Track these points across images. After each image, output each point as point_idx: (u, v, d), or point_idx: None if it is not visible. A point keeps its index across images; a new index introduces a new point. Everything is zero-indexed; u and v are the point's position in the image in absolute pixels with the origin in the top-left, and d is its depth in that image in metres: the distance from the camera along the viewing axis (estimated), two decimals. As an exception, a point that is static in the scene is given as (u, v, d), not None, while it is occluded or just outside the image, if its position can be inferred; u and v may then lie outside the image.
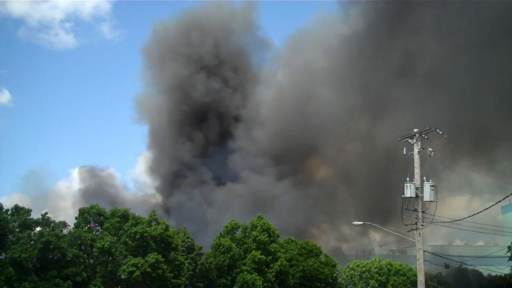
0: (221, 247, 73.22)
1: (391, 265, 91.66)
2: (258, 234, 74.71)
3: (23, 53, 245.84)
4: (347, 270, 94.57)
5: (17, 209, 62.76)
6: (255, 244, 74.39)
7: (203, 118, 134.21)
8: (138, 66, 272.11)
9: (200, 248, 74.94)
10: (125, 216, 66.26)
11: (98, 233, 65.91)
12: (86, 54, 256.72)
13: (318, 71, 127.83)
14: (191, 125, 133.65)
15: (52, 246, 58.87)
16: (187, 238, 74.37)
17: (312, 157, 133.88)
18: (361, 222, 52.27)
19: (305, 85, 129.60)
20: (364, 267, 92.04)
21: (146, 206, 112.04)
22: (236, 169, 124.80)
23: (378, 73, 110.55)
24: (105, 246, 61.39)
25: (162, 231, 63.66)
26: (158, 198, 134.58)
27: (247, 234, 77.32)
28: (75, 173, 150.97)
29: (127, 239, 62.52)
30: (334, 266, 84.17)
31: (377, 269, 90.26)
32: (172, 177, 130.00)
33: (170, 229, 66.34)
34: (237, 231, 78.41)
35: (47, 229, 61.41)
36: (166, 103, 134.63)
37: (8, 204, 62.17)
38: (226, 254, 72.46)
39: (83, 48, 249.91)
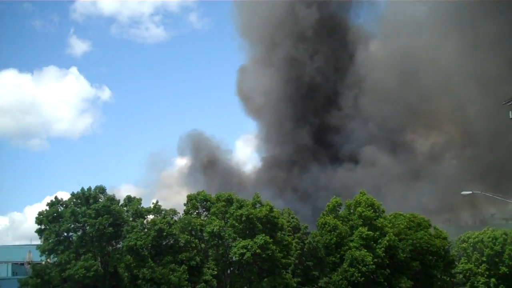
0: (326, 225, 73.11)
1: (507, 235, 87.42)
2: (364, 210, 73.84)
3: (117, 50, 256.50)
4: (459, 242, 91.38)
5: (129, 199, 65.94)
6: (361, 220, 73.60)
7: (311, 94, 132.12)
8: (230, 52, 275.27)
9: (306, 227, 75.24)
10: (229, 200, 67.64)
11: (206, 218, 67.78)
12: (178, 46, 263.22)
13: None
14: (300, 102, 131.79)
15: (165, 233, 61.31)
16: (292, 218, 74.87)
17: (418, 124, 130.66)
18: (469, 192, 50.27)
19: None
20: (477, 237, 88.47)
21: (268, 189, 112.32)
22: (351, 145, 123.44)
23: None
24: (214, 230, 63.03)
25: (267, 212, 64.41)
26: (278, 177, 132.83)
27: (351, 211, 76.64)
28: (178, 161, 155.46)
29: (234, 222, 63.83)
30: (445, 238, 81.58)
31: (490, 239, 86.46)
32: (287, 156, 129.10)
33: (275, 210, 66.95)
34: (340, 209, 77.87)
35: (159, 217, 63.99)
36: (273, 82, 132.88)
37: (118, 196, 65.42)
38: (332, 232, 72.26)
39: (174, 40, 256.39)
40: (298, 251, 69.76)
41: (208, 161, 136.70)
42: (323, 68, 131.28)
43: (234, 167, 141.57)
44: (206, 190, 72.25)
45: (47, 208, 62.74)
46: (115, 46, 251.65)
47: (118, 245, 63.42)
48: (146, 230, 61.56)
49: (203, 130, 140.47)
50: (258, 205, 66.62)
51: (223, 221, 65.50)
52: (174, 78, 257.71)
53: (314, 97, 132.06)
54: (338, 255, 71.94)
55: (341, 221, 74.48)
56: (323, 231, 73.01)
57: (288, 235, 68.11)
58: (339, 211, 77.46)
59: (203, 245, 66.39)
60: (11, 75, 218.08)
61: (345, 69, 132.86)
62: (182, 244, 61.95)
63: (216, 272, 63.70)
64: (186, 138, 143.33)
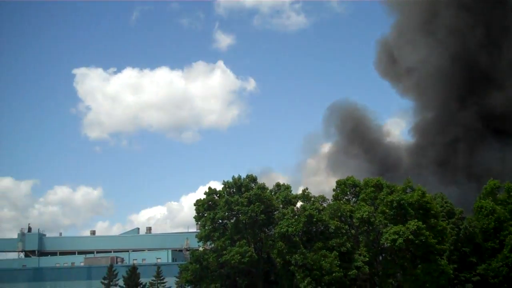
0: (483, 209, 69.12)
1: None
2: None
3: (260, 41, 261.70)
4: None
5: (278, 187, 67.44)
6: (523, 203, 68.64)
7: (472, 71, 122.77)
8: (374, 35, 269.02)
9: (461, 212, 71.80)
10: (378, 186, 66.47)
11: (355, 204, 67.27)
12: (320, 32, 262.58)
13: None
14: (461, 79, 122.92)
15: (314, 219, 61.82)
16: (445, 203, 71.87)
17: None
18: None
19: None
20: None
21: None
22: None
23: None
24: (364, 216, 62.38)
25: (419, 198, 62.35)
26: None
27: (511, 194, 71.69)
28: (325, 148, 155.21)
29: (384, 208, 62.64)
30: None
31: None
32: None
33: (427, 195, 64.61)
34: (498, 192, 73.16)
35: (308, 203, 64.66)
36: (430, 55, 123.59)
37: (267, 184, 67.06)
38: (490, 217, 68.17)
39: (316, 26, 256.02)
40: (453, 237, 66.95)
41: (358, 143, 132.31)
42: (483, 41, 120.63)
43: (384, 148, 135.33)
44: (355, 175, 71.66)
45: (203, 197, 66.10)
46: (258, 37, 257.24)
47: (270, 232, 65.13)
48: (296, 216, 62.49)
49: (350, 111, 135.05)
50: (409, 190, 64.74)
51: (372, 207, 64.57)
52: (318, 64, 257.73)
53: (474, 74, 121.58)
54: (497, 241, 67.69)
55: (500, 205, 69.98)
56: (479, 216, 69.10)
57: (442, 220, 65.47)
58: (497, 194, 72.82)
59: (353, 231, 66.04)
60: (163, 72, 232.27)
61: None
62: (332, 230, 62.12)
63: (367, 259, 63.07)
64: (333, 117, 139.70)
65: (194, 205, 66.19)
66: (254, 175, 66.28)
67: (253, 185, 65.30)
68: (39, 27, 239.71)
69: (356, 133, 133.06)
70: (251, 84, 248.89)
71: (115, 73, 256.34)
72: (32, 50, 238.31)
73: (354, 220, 64.17)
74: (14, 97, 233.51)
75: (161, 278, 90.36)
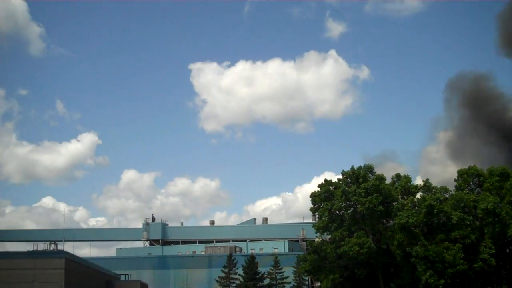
0: None
1: None
2: None
3: (373, 28, 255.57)
4: None
5: (397, 177, 66.07)
6: None
7: None
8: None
9: None
10: (504, 175, 63.13)
11: (479, 194, 64.35)
12: (436, 15, 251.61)
13: None
14: None
15: (435, 210, 59.83)
16: None
17: None
18: None
19: None
20: None
21: None
22: None
23: None
24: (488, 207, 59.54)
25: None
26: None
27: None
28: (445, 135, 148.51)
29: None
30: None
31: None
32: None
33: None
34: None
35: (429, 194, 62.73)
36: None
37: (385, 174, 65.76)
38: None
39: (431, 10, 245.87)
40: None
41: (492, 127, 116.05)
42: None
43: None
44: (477, 164, 68.54)
45: (319, 188, 66.19)
46: (370, 24, 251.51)
47: (389, 223, 64.01)
48: (416, 207, 60.89)
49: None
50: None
51: (498, 198, 61.44)
52: (435, 50, 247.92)
53: None
54: None
55: None
56: None
57: None
58: None
59: (477, 223, 63.18)
60: (276, 64, 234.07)
61: None
62: (454, 222, 59.77)
63: (494, 251, 60.13)
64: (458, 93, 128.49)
65: (310, 197, 66.47)
66: (372, 165, 65.35)
67: (370, 175, 64.40)
68: (158, 25, 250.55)
69: (487, 116, 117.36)
70: (364, 72, 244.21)
71: (229, 66, 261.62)
72: (150, 48, 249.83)
73: (478, 211, 61.37)
74: (136, 95, 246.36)
75: (279, 267, 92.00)
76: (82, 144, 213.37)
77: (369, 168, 64.87)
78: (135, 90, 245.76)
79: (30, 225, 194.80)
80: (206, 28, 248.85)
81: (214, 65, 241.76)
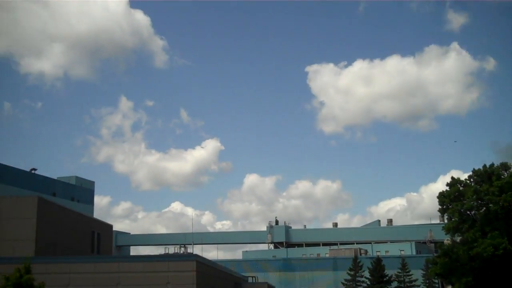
0: None
1: None
2: None
3: (498, 16, 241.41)
4: None
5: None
6: None
7: None
8: None
9: None
10: None
11: None
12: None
13: None
14: None
15: None
16: None
17: None
18: None
19: None
20: None
21: None
22: None
23: None
24: None
25: None
26: None
27: None
28: None
29: None
30: None
31: None
32: None
33: None
34: None
35: None
36: None
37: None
38: None
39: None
40: None
41: None
42: None
43: None
44: None
45: (447, 188, 63.40)
46: (495, 12, 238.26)
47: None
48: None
49: None
50: None
51: None
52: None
53: None
54: None
55: None
56: None
57: None
58: None
59: None
60: (394, 60, 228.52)
61: None
62: None
63: None
64: None
65: (438, 197, 63.81)
66: (508, 162, 61.43)
67: (505, 173, 60.57)
68: (273, 29, 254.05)
69: None
70: (490, 64, 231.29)
71: (346, 66, 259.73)
72: (266, 52, 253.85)
73: None
74: (255, 99, 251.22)
75: (407, 270, 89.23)
76: (206, 151, 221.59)
77: (504, 166, 61.05)
78: (254, 95, 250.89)
79: (160, 229, 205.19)
80: (321, 29, 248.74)
81: (331, 66, 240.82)
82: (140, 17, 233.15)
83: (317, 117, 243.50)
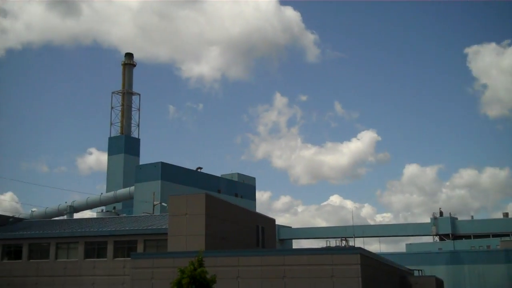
0: None
1: None
2: None
3: None
4: None
5: None
6: None
7: None
8: None
9: None
10: None
11: None
12: None
13: None
14: None
15: None
16: None
17: None
18: None
19: None
20: None
21: None
22: None
23: None
24: None
25: None
26: None
27: None
28: None
29: None
30: None
31: None
32: None
33: None
34: None
35: None
36: None
37: None
38: None
39: None
40: None
41: None
42: None
43: None
44: None
45: None
46: None
47: None
48: None
49: None
50: None
51: None
52: None
53: None
54: None
55: None
56: None
57: None
58: None
59: None
60: None
61: None
62: None
63: None
64: None
65: None
66: None
67: None
68: (427, 11, 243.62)
69: None
70: None
71: (509, 45, 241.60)
72: (421, 35, 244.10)
73: None
74: (410, 84, 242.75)
75: None
76: (362, 142, 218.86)
77: None
78: (409, 82, 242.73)
79: (320, 222, 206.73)
80: (478, 6, 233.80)
81: (493, 45, 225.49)
82: (290, 13, 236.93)
83: (480, 101, 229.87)
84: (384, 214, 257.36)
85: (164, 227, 48.09)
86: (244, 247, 49.70)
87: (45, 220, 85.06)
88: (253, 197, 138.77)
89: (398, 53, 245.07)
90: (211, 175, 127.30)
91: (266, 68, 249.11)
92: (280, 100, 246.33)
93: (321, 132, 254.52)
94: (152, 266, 41.79)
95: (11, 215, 72.81)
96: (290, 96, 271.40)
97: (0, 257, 55.86)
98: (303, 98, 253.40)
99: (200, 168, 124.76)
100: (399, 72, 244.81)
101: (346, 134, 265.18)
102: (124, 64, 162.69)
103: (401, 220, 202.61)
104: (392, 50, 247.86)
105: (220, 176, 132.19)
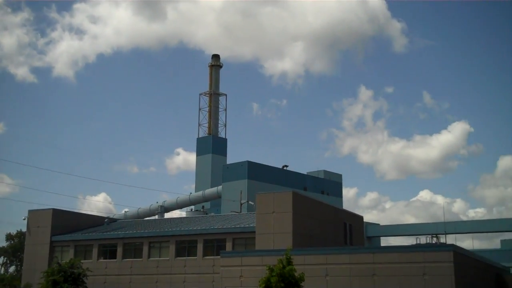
0: None
1: None
2: None
3: None
4: None
5: None
6: None
7: None
8: None
9: None
10: None
11: None
12: None
13: None
14: None
15: None
16: None
17: None
18: None
19: None
20: None
21: None
22: None
23: None
24: None
25: None
26: None
27: None
28: None
29: None
30: None
31: None
32: None
33: None
34: None
35: None
36: None
37: None
38: None
39: None
40: None
41: None
42: None
43: None
44: None
45: None
46: None
47: None
48: None
49: None
50: None
51: None
52: None
53: None
54: None
55: None
56: None
57: None
58: None
59: None
60: None
61: None
62: None
63: None
64: None
65: None
66: None
67: None
68: None
69: None
70: None
71: None
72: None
73: None
74: (505, 72, 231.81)
75: None
76: (453, 134, 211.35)
77: None
78: (502, 67, 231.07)
79: (409, 219, 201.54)
80: None
81: None
82: (375, 2, 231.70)
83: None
84: (477, 209, 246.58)
85: (252, 225, 48.65)
86: (332, 245, 49.40)
87: (137, 220, 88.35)
88: (339, 194, 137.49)
89: (490, 40, 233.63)
90: (297, 172, 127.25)
91: (351, 61, 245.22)
92: (365, 93, 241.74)
93: (409, 125, 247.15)
94: (240, 264, 42.41)
95: (106, 216, 76.24)
96: (375, 89, 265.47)
97: (96, 256, 58.55)
98: (389, 90, 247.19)
99: (286, 166, 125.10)
100: (491, 59, 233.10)
101: (435, 126, 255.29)
102: (211, 66, 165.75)
103: (495, 215, 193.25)
104: (484, 36, 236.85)
105: (306, 173, 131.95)
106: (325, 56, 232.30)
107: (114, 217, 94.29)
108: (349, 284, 38.03)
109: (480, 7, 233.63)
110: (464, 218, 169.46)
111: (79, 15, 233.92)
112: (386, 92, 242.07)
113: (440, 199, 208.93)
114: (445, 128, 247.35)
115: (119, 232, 58.69)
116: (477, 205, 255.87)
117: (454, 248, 36.57)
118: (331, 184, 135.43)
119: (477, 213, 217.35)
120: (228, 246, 49.76)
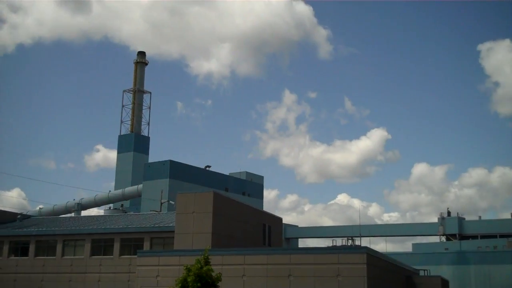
0: None
1: None
2: None
3: None
4: None
5: None
6: None
7: None
8: None
9: None
10: None
11: None
12: None
13: None
14: None
15: None
16: None
17: None
18: None
19: None
20: None
21: None
22: None
23: None
24: None
25: None
26: None
27: None
28: None
29: None
30: None
31: None
32: None
33: None
34: None
35: None
36: None
37: None
38: None
39: None
40: None
41: None
42: None
43: None
44: None
45: None
46: None
47: None
48: None
49: None
50: None
51: None
52: None
53: None
54: None
55: None
56: None
57: None
58: None
59: None
60: None
61: None
62: None
63: None
64: None
65: None
66: None
67: None
68: (440, 6, 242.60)
69: None
70: None
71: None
72: (433, 31, 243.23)
73: None
74: (418, 83, 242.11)
75: None
76: (371, 141, 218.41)
77: None
78: (421, 79, 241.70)
79: (327, 221, 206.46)
80: (491, 4, 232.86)
81: (507, 42, 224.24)
82: (302, 9, 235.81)
83: (492, 99, 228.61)
84: (392, 214, 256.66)
85: (171, 225, 48.30)
86: (251, 246, 49.84)
87: (52, 217, 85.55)
88: (260, 196, 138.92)
89: (410, 50, 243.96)
90: (219, 173, 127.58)
91: (277, 64, 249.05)
92: (289, 97, 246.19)
93: (330, 130, 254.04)
94: (158, 264, 42.04)
95: (19, 212, 73.33)
96: (299, 93, 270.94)
97: (7, 253, 56.31)
98: (313, 95, 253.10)
99: (209, 166, 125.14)
100: (411, 70, 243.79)
101: (355, 132, 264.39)
102: (136, 63, 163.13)
103: (408, 220, 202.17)
104: (404, 47, 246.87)
105: (228, 174, 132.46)
106: (251, 59, 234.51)
107: (28, 213, 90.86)
108: (266, 284, 38.52)
109: (399, 19, 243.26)
110: (379, 222, 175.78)
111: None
112: (309, 97, 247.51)
113: (356, 203, 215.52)
114: (364, 134, 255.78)
115: (32, 229, 56.70)
116: (391, 210, 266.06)
117: (367, 250, 37.82)
118: (252, 185, 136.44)
119: (391, 217, 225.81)
120: (146, 245, 49.16)
